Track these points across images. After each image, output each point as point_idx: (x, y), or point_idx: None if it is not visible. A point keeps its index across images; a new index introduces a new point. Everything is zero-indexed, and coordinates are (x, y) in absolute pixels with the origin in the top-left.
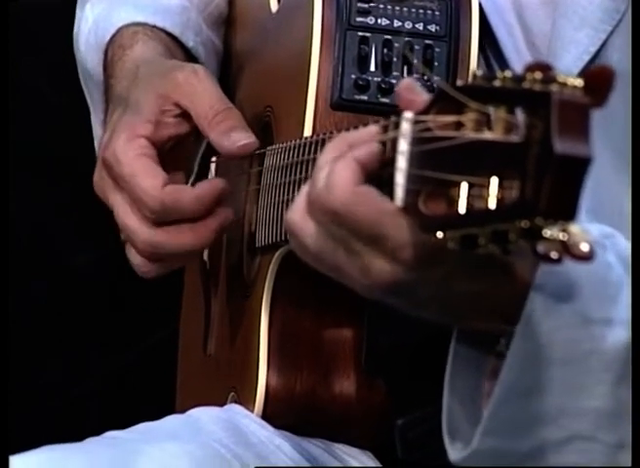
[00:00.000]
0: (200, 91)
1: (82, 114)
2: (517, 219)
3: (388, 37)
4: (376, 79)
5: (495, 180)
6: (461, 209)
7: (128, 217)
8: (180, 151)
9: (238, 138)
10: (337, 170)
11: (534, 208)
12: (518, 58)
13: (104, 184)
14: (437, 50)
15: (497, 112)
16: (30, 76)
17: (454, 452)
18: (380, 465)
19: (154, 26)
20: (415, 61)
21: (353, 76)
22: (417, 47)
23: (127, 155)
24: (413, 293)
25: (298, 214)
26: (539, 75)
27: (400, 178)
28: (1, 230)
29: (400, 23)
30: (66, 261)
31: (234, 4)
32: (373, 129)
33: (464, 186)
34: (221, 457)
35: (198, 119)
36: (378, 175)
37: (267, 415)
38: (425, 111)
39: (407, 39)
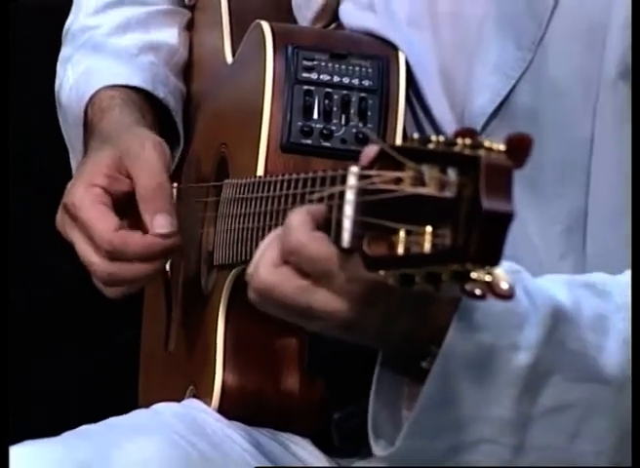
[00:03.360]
0: (143, 166)
1: None
2: (449, 264)
3: (329, 90)
4: (318, 126)
5: (429, 229)
6: (400, 252)
7: (86, 252)
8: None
9: (157, 223)
10: (292, 217)
11: (464, 255)
12: (439, 105)
13: (65, 223)
14: (370, 101)
15: (431, 171)
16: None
17: (377, 449)
18: (319, 451)
19: (128, 86)
20: (357, 122)
21: (299, 123)
22: (353, 99)
23: (84, 202)
24: (356, 326)
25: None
26: (468, 141)
27: (347, 224)
28: (1, 232)
29: (339, 79)
30: (49, 268)
31: (192, 52)
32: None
33: (403, 233)
34: (181, 447)
35: (136, 190)
36: (329, 220)
37: (222, 409)
38: (370, 167)
39: (345, 92)
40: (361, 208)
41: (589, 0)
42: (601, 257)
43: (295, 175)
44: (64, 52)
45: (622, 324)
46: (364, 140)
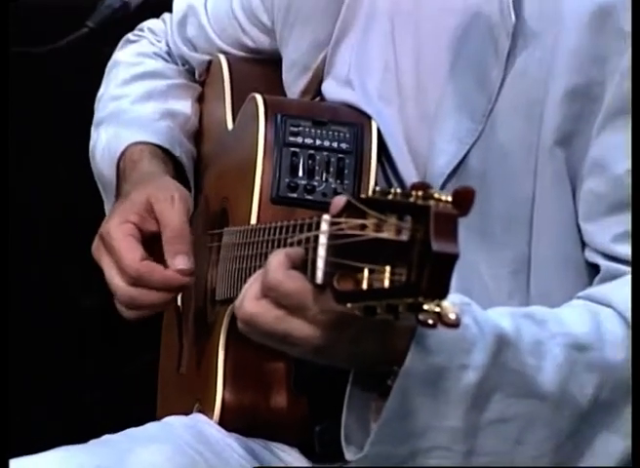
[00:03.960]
0: (171, 214)
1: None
2: (405, 297)
3: (312, 152)
4: (302, 182)
5: (388, 268)
6: (364, 287)
7: (113, 277)
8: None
9: (178, 263)
10: (271, 259)
11: (417, 290)
12: (405, 166)
13: (99, 250)
14: (347, 161)
15: (390, 218)
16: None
17: (349, 454)
18: (304, 458)
19: (152, 143)
20: (333, 183)
21: (287, 180)
22: (332, 159)
23: (117, 233)
24: (327, 348)
25: (248, 300)
26: (421, 193)
27: (320, 263)
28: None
29: (320, 142)
30: (75, 301)
31: (201, 120)
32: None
33: (367, 271)
34: (189, 454)
35: (163, 234)
36: (305, 260)
37: (222, 422)
38: (339, 215)
39: (326, 153)
40: (332, 250)
41: (529, 80)
42: (543, 297)
43: (279, 223)
44: (97, 117)
45: (557, 349)
46: (341, 194)
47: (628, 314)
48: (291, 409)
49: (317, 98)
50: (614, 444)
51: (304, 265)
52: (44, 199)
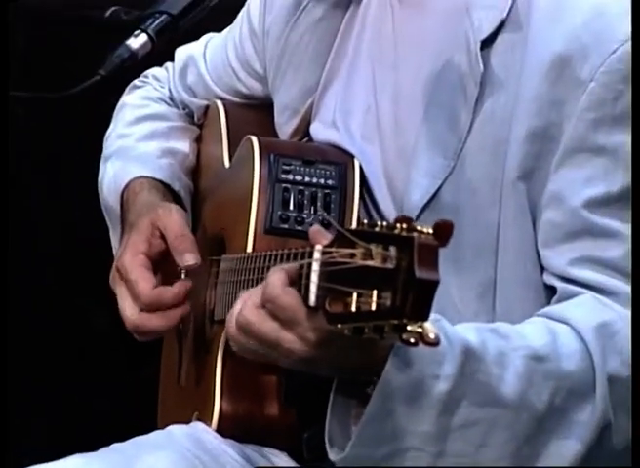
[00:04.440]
0: (171, 222)
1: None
2: (390, 319)
3: (301, 188)
4: (293, 214)
5: (375, 292)
6: (353, 309)
7: (125, 305)
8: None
9: (187, 259)
10: (271, 274)
11: (402, 312)
12: (384, 199)
13: (115, 281)
14: (333, 196)
15: (377, 248)
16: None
17: (332, 455)
18: (292, 461)
19: (153, 178)
20: (320, 215)
21: (279, 212)
22: (320, 195)
23: (131, 267)
24: (313, 360)
25: (247, 309)
26: (404, 225)
27: (313, 288)
28: (2, 244)
29: (309, 179)
30: (89, 321)
31: (199, 159)
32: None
33: (355, 295)
34: (189, 459)
35: (168, 240)
36: (300, 284)
37: (219, 430)
38: (330, 245)
39: (313, 189)
40: (324, 276)
41: (495, 123)
42: (506, 316)
43: (274, 252)
44: (105, 152)
45: (518, 360)
46: (327, 226)
47: (581, 330)
48: (281, 418)
49: (306, 139)
50: (567, 447)
51: (299, 289)
52: (61, 231)
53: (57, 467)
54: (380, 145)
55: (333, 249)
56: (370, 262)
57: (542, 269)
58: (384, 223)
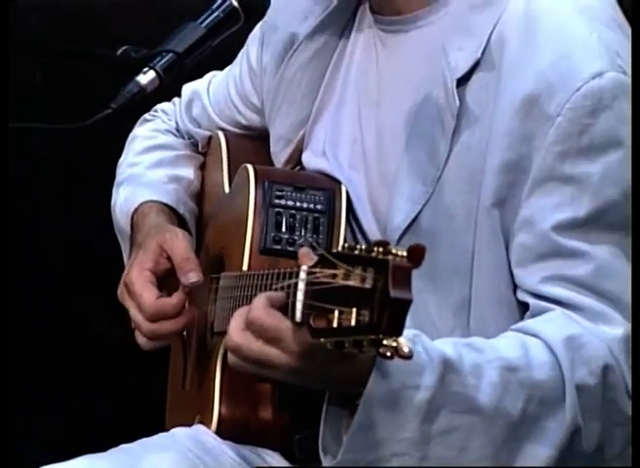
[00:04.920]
0: (177, 245)
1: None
2: (368, 334)
3: (293, 212)
4: (285, 236)
5: (355, 310)
6: (335, 325)
7: (136, 316)
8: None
9: (190, 277)
10: (255, 299)
11: (378, 329)
12: (368, 223)
13: (124, 295)
14: (321, 220)
15: (356, 269)
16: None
17: (325, 461)
18: (284, 460)
19: (160, 202)
20: (310, 237)
21: (272, 234)
22: (309, 218)
23: (137, 282)
24: (301, 372)
25: (234, 330)
26: (381, 249)
27: (299, 305)
28: (3, 249)
29: (300, 204)
30: (103, 332)
31: (203, 184)
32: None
33: (337, 312)
34: (191, 459)
35: (174, 262)
36: (286, 302)
37: (218, 432)
38: (315, 266)
39: (304, 213)
40: (309, 294)
41: (471, 154)
42: (481, 331)
43: (266, 271)
44: (118, 179)
45: (493, 371)
46: (318, 247)
47: (551, 343)
48: (275, 422)
49: (298, 167)
50: (540, 451)
51: (286, 306)
52: (76, 247)
53: (67, 467)
54: (365, 173)
55: (317, 270)
56: (350, 282)
57: (515, 288)
58: (363, 247)
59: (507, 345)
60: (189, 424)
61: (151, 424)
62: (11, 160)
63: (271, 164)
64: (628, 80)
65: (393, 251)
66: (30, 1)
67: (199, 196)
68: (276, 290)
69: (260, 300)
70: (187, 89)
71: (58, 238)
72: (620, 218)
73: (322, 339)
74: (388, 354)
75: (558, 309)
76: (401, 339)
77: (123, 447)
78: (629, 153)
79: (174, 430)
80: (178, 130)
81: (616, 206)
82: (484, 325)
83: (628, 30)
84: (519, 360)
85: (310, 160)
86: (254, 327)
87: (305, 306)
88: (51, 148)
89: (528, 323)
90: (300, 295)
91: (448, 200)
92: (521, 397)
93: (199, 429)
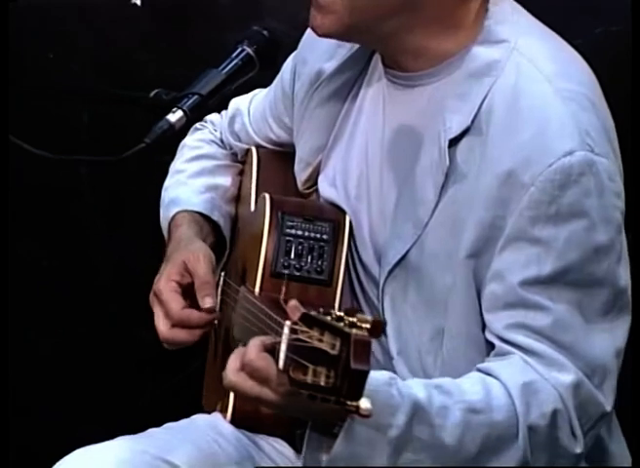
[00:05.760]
0: (198, 268)
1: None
2: (332, 396)
3: (301, 240)
4: (293, 262)
5: (324, 371)
6: (309, 381)
7: (160, 322)
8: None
9: (206, 302)
10: (250, 343)
11: (340, 392)
12: (366, 253)
13: (153, 301)
14: (326, 248)
15: (327, 334)
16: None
17: None
18: (287, 445)
19: (195, 212)
20: (315, 264)
21: (282, 260)
22: (316, 246)
23: (165, 291)
24: (288, 407)
25: (231, 371)
26: (349, 319)
27: (282, 355)
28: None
29: (308, 234)
30: (139, 333)
31: (241, 188)
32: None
33: (311, 369)
34: (209, 443)
35: (195, 283)
36: (273, 351)
37: (233, 422)
38: (297, 323)
39: (311, 242)
40: (290, 348)
41: (456, 207)
42: (453, 361)
43: (266, 309)
44: (166, 182)
45: (458, 412)
46: (322, 273)
47: (510, 388)
48: (279, 418)
49: (315, 187)
50: None
51: (274, 351)
52: (120, 267)
53: (102, 447)
54: (367, 205)
55: (298, 327)
56: (322, 345)
57: (484, 327)
58: (336, 314)
59: (472, 387)
60: (213, 408)
61: (193, 405)
62: (61, 188)
63: (295, 181)
64: (596, 157)
65: (358, 323)
66: (70, 49)
67: (237, 199)
68: (271, 333)
69: (254, 344)
70: (232, 105)
71: (103, 256)
72: (579, 278)
73: (298, 389)
74: (352, 410)
75: (518, 353)
76: (361, 402)
77: (151, 431)
78: (593, 222)
79: (194, 417)
80: (221, 140)
81: (576, 267)
82: (455, 354)
83: (602, 109)
84: (481, 402)
85: (324, 188)
86: (247, 368)
87: (287, 357)
88: (96, 177)
89: (491, 365)
90: (283, 347)
91: (433, 243)
92: (480, 435)
93: (217, 417)
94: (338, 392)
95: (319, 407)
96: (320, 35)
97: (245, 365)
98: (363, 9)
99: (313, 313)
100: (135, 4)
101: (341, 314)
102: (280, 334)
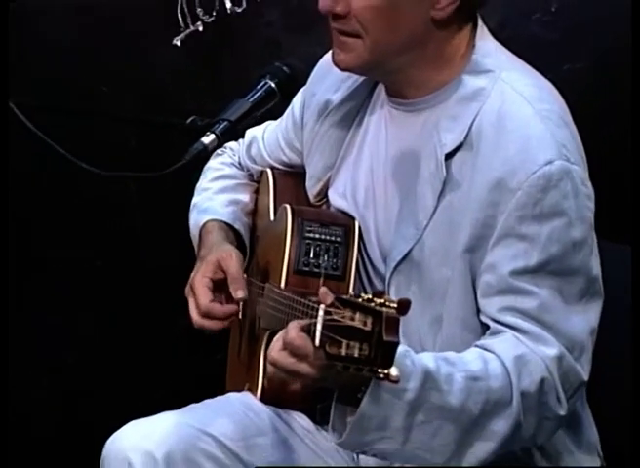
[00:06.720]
0: (231, 265)
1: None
2: (367, 365)
3: (319, 243)
4: (312, 261)
5: (357, 344)
6: (343, 354)
7: (193, 311)
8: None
9: (239, 294)
10: (290, 324)
11: (374, 362)
12: (374, 253)
13: (188, 294)
14: (340, 249)
15: (359, 314)
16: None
17: (333, 438)
18: (308, 419)
19: (221, 221)
20: (330, 262)
21: (302, 259)
22: (331, 247)
23: (198, 285)
24: (321, 378)
25: (275, 349)
26: (378, 300)
27: (318, 334)
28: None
29: (324, 237)
30: (174, 320)
31: (256, 205)
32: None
33: (345, 344)
34: (241, 416)
35: (228, 278)
36: (309, 331)
37: (262, 399)
38: (331, 304)
39: (327, 244)
40: (325, 327)
41: (452, 211)
42: (448, 342)
43: (297, 297)
44: (194, 200)
45: (461, 379)
46: (336, 269)
47: (505, 359)
48: (303, 394)
49: (325, 199)
50: (494, 433)
51: (310, 331)
52: (166, 264)
53: (151, 421)
54: (374, 213)
55: (332, 309)
56: (355, 323)
57: (478, 313)
58: (366, 296)
59: (472, 359)
60: (240, 389)
61: (215, 388)
62: (111, 202)
63: (306, 195)
64: (571, 165)
65: (387, 303)
66: (121, 83)
67: (254, 214)
68: (304, 317)
69: (293, 326)
70: (249, 133)
71: (148, 256)
72: (559, 268)
73: (333, 362)
74: (382, 377)
75: (510, 332)
76: (391, 370)
77: (192, 405)
78: (571, 220)
79: (228, 394)
80: (240, 163)
81: (557, 259)
82: (452, 337)
83: (573, 127)
84: (480, 372)
85: (335, 199)
86: (289, 347)
87: (323, 335)
88: (142, 191)
89: (487, 342)
90: (319, 326)
91: (432, 242)
92: (480, 399)
93: (247, 394)
94: (371, 362)
95: (349, 376)
96: (342, 69)
97: (287, 343)
98: (381, 48)
99: (345, 297)
100: (175, 45)
101: (369, 297)
102: (315, 316)
